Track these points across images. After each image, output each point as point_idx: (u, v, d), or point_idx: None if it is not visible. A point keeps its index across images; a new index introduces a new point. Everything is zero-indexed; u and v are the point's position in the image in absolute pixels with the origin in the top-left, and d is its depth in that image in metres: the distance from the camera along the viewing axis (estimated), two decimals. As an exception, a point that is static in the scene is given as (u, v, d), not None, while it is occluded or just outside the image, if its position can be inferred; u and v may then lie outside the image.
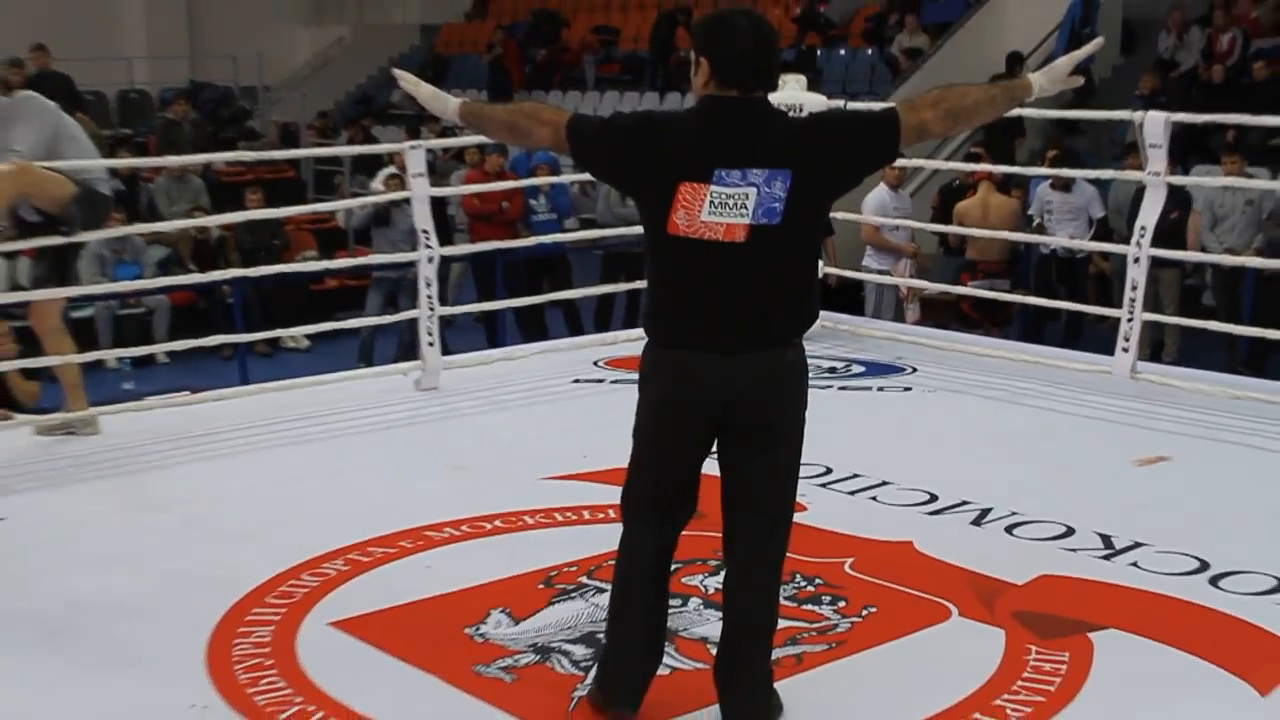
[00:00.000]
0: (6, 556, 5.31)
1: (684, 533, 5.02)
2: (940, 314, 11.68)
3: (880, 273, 11.47)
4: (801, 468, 3.94)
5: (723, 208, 3.66)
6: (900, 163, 10.78)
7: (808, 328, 3.94)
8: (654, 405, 3.89)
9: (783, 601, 4.60)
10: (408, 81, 4.47)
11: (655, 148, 3.77)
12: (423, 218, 7.67)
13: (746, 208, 3.66)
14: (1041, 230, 11.47)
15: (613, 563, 4.95)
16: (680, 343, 3.81)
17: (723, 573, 4.76)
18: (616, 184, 4.26)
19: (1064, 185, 11.62)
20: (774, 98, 9.03)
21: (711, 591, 4.77)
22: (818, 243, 4.00)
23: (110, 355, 10.48)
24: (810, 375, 4.04)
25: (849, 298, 11.39)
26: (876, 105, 3.94)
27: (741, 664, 3.91)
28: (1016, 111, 4.68)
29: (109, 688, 4.24)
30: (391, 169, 13.47)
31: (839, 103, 9.20)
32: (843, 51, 20.06)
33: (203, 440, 6.72)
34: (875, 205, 11.61)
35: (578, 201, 14.37)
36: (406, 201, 8.28)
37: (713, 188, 3.65)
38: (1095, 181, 11.70)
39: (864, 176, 3.98)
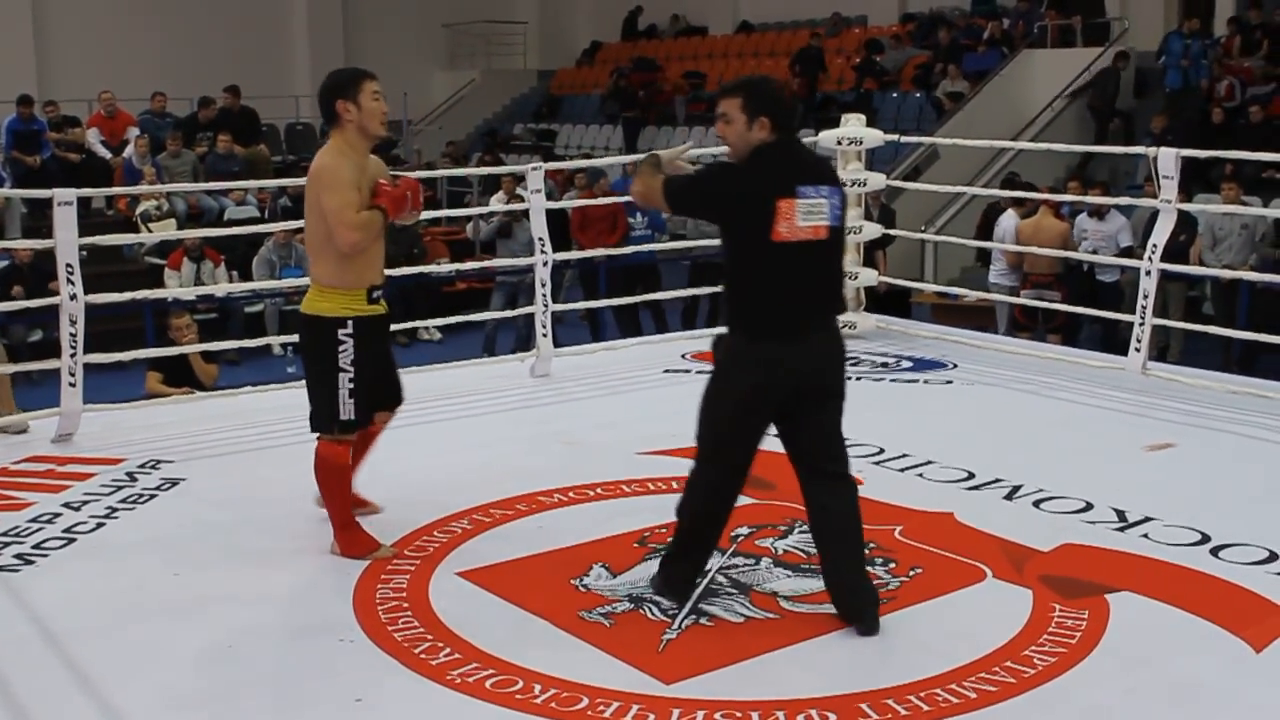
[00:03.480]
0: (190, 509, 5.35)
1: (756, 502, 5.01)
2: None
3: (1009, 290, 11.22)
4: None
5: (810, 214, 4.05)
6: (1029, 195, 10.64)
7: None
8: (740, 388, 4.13)
9: (841, 562, 4.55)
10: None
11: (749, 181, 4.10)
12: (539, 227, 7.65)
13: (824, 213, 4.08)
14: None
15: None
16: (768, 334, 4.10)
17: (790, 536, 4.76)
18: (714, 216, 4.27)
19: (1099, 214, 11.32)
20: (838, 132, 8.99)
21: (780, 553, 4.71)
22: None
23: (275, 342, 10.54)
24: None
25: (899, 303, 11.23)
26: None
27: (854, 563, 4.19)
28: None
29: (269, 623, 4.25)
30: (500, 194, 13.52)
31: (893, 138, 9.09)
32: (895, 95, 19.87)
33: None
34: (1010, 229, 11.31)
35: (670, 219, 14.35)
36: (526, 216, 8.25)
37: (799, 201, 4.03)
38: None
39: None
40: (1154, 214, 7.61)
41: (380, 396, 4.90)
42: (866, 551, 4.38)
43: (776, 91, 4.24)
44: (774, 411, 4.16)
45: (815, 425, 4.17)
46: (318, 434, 4.78)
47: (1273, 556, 4.71)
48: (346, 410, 4.68)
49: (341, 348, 4.64)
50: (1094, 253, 10.96)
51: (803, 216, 4.03)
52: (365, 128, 4.73)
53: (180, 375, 8.69)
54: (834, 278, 4.29)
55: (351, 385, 4.66)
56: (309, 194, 4.72)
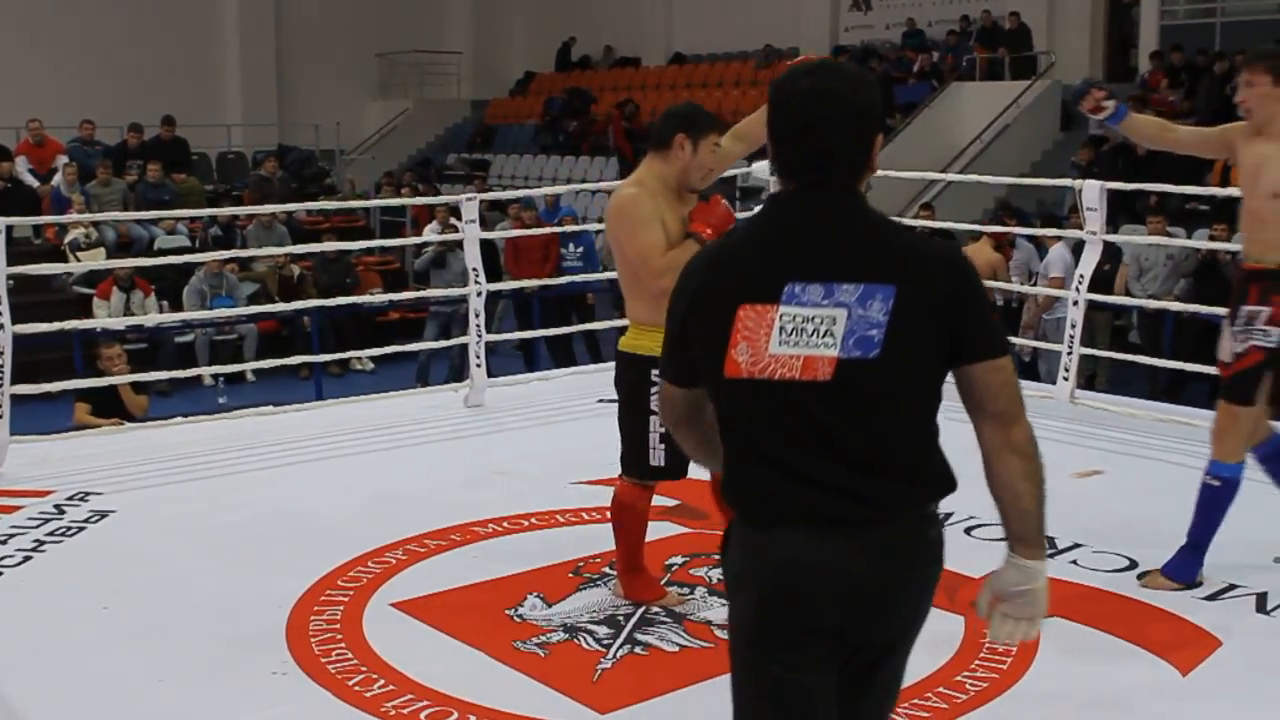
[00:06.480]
0: (120, 541, 5.29)
1: (690, 531, 5.01)
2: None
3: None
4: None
5: (799, 334, 2.34)
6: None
7: (944, 492, 2.56)
8: (757, 612, 2.41)
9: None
10: None
11: (711, 282, 2.43)
12: (473, 257, 7.64)
13: (834, 335, 2.34)
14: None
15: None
16: (776, 519, 2.40)
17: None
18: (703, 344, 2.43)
19: (1012, 245, 11.58)
20: (768, 163, 8.88)
21: (714, 581, 4.71)
22: (937, 381, 2.49)
23: (207, 373, 10.45)
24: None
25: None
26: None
27: None
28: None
29: (201, 656, 4.20)
30: (435, 223, 13.54)
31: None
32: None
33: (284, 446, 6.69)
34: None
35: (604, 250, 14.41)
36: (460, 247, 8.25)
37: (783, 308, 2.34)
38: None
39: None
40: (1080, 244, 7.71)
41: None
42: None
43: (784, 98, 2.42)
44: (819, 656, 2.43)
45: (860, 698, 2.53)
46: (623, 477, 4.52)
47: (1198, 582, 4.77)
48: (657, 456, 4.36)
49: (654, 389, 4.19)
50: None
51: (781, 339, 2.34)
52: (688, 171, 4.34)
53: (109, 406, 8.60)
54: (875, 445, 2.43)
55: (664, 430, 4.07)
56: (610, 230, 4.37)
